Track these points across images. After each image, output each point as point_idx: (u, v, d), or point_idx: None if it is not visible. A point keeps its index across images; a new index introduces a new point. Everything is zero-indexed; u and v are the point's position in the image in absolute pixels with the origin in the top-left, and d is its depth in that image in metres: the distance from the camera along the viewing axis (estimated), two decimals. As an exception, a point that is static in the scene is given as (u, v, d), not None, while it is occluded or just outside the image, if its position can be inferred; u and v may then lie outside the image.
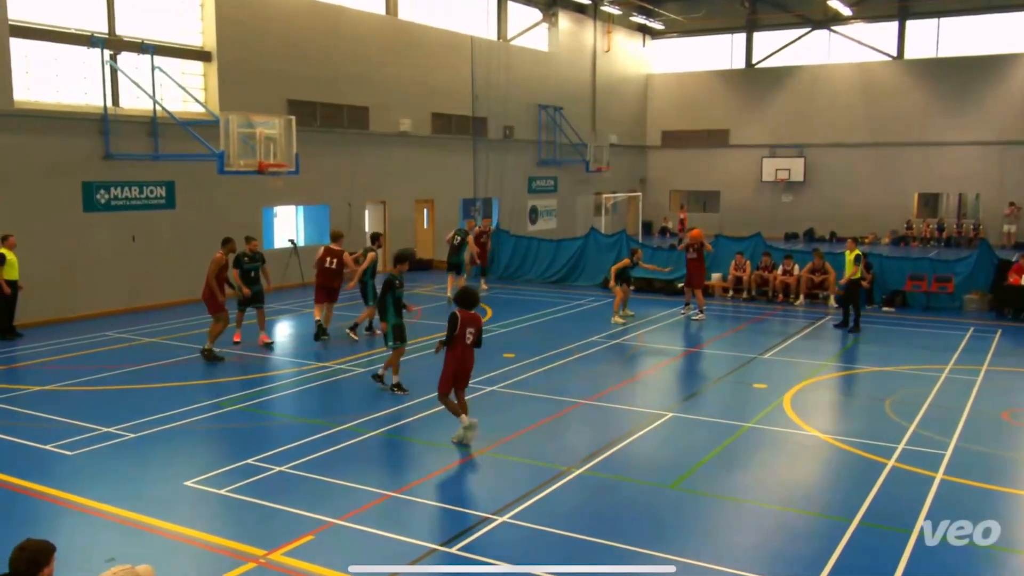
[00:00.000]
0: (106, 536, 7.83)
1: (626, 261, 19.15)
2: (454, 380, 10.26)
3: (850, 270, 17.54)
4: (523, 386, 13.02)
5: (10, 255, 16.24)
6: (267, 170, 18.54)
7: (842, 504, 8.51)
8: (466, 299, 10.26)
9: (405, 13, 28.38)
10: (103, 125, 19.09)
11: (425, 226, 29.89)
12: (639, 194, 40.13)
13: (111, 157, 19.20)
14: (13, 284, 16.31)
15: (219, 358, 14.48)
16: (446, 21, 30.27)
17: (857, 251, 17.62)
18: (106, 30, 19.61)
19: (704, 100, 42.72)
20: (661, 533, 7.82)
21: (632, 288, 19.67)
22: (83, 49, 19.06)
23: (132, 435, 10.55)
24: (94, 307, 19.07)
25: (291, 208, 25.27)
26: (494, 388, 12.87)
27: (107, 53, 19.22)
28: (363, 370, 14.07)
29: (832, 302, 20.75)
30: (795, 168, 40.59)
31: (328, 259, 16.21)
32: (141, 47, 19.82)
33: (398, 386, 12.56)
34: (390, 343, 12.66)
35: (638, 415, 11.63)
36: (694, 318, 18.91)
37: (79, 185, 18.82)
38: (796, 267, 21.67)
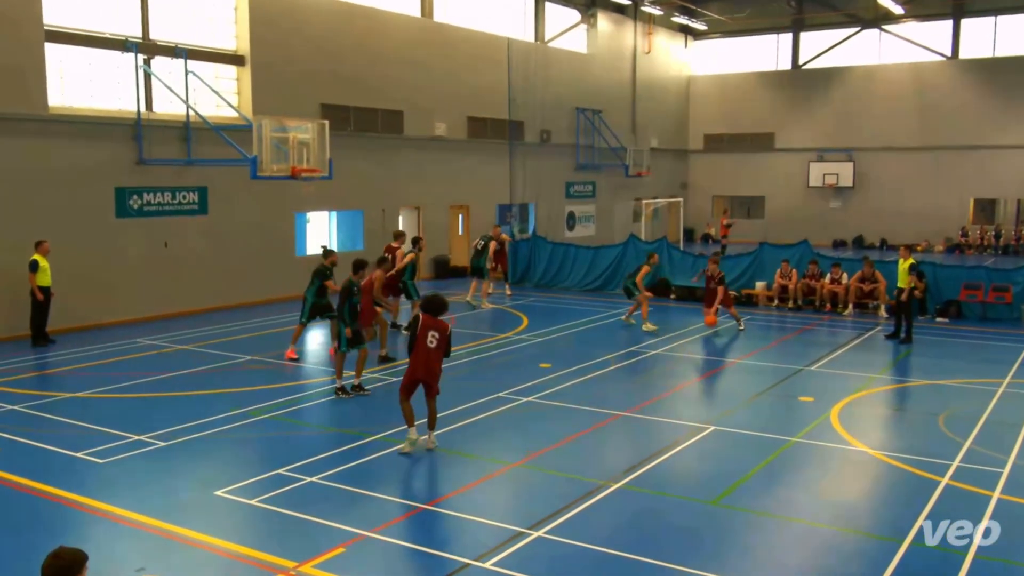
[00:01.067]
0: (136, 546, 7.95)
1: (646, 268, 19.11)
2: (415, 385, 10.34)
3: (904, 280, 17.27)
4: (560, 397, 13.00)
5: (43, 261, 16.55)
6: (300, 175, 18.71)
7: (892, 524, 8.37)
8: (432, 305, 10.45)
9: (441, 15, 28.56)
10: (136, 130, 19.45)
11: (460, 232, 30.01)
12: (680, 200, 39.92)
13: (144, 162, 19.54)
14: (46, 290, 16.62)
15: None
16: (482, 23, 30.41)
17: (911, 260, 17.35)
18: (140, 34, 19.99)
19: (748, 102, 42.42)
20: (702, 551, 7.76)
21: (650, 295, 19.87)
22: (117, 54, 19.44)
23: (163, 443, 10.71)
24: (126, 314, 19.39)
25: (324, 214, 25.52)
26: (530, 399, 12.86)
27: (141, 57, 19.58)
28: (395, 379, 14.13)
29: (883, 312, 20.46)
30: (844, 173, 40.12)
31: (388, 257, 17.34)
32: (174, 51, 20.17)
33: (359, 387, 13.12)
34: (344, 348, 12.96)
35: (679, 428, 11.55)
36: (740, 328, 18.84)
37: (112, 191, 19.17)
38: (845, 276, 21.40)
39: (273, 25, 22.63)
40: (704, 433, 11.26)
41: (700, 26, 41.77)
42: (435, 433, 10.51)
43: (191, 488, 9.29)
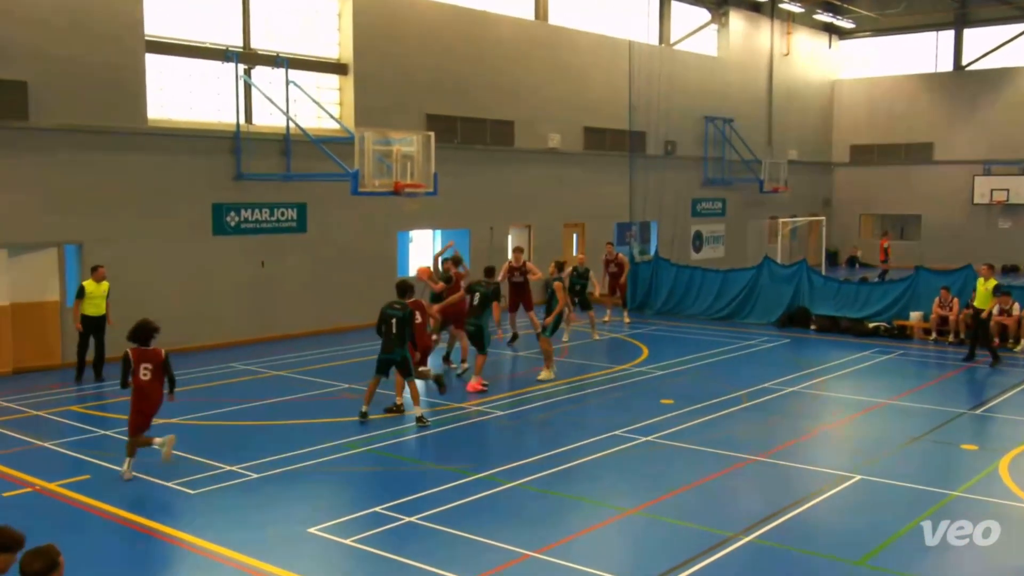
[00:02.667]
0: (225, 583, 8.21)
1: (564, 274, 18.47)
2: (144, 420, 10.98)
3: (986, 302, 16.66)
4: (683, 437, 12.82)
5: (93, 288, 16.32)
6: (403, 191, 19.07)
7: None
8: (137, 333, 11.00)
9: (556, 17, 28.82)
10: (235, 143, 20.30)
11: (575, 252, 30.02)
12: (822, 218, 38.90)
13: (242, 177, 20.36)
14: (101, 320, 16.38)
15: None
16: (601, 25, 30.52)
17: (993, 281, 16.73)
18: (241, 44, 20.90)
19: (902, 109, 41.18)
20: (845, 617, 7.48)
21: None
22: (217, 64, 20.38)
23: (255, 475, 11.05)
24: (220, 336, 20.15)
25: (428, 232, 25.97)
26: (649, 438, 12.73)
27: (241, 68, 20.47)
28: (502, 412, 14.22)
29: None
30: (1016, 188, 38.37)
31: (514, 272, 19.04)
32: (275, 60, 21.00)
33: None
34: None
35: (819, 476, 11.26)
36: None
37: (209, 207, 20.04)
38: (1016, 306, 20.44)
39: (377, 32, 23.29)
40: (848, 483, 10.90)
41: (847, 24, 40.86)
42: None
43: (282, 524, 9.53)
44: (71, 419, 13.81)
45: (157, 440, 11.07)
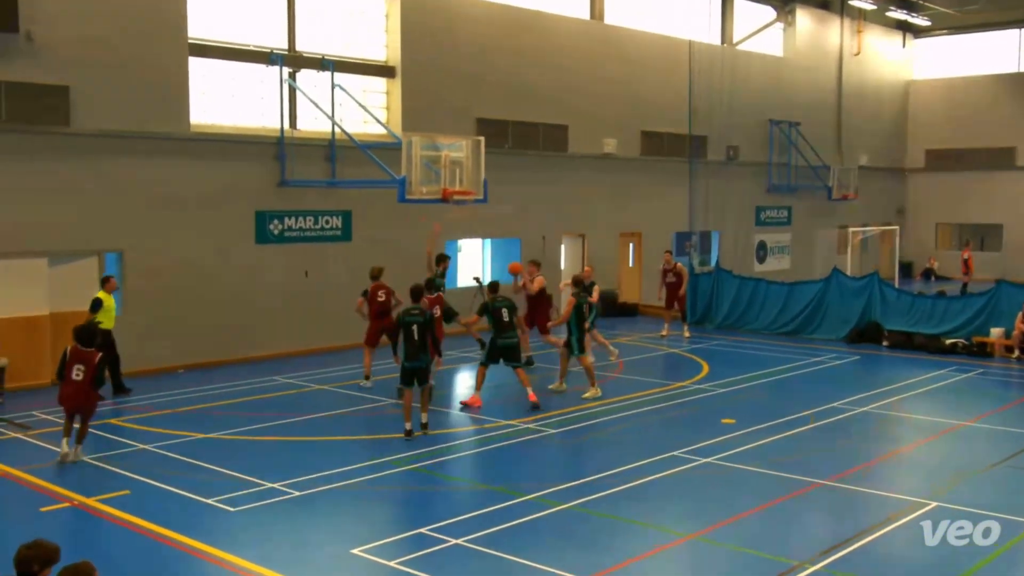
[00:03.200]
0: (265, 605, 8.29)
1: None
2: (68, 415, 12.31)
3: None
4: (745, 459, 12.70)
5: (108, 300, 16.20)
6: (452, 198, 19.15)
7: None
8: (81, 334, 12.17)
9: (612, 16, 28.81)
10: (279, 149, 20.57)
11: (631, 263, 29.94)
12: (896, 228, 38.36)
13: (286, 184, 20.63)
14: (107, 334, 15.95)
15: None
16: (660, 24, 30.44)
17: None
18: (286, 46, 21.20)
19: (983, 111, 40.48)
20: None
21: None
22: (261, 67, 20.69)
23: (298, 492, 11.15)
24: (263, 348, 20.39)
25: (477, 242, 26.06)
26: (710, 459, 12.62)
27: (286, 71, 20.75)
28: (554, 431, 14.20)
29: None
30: (1106, 196, 37.50)
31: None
32: (321, 63, 21.26)
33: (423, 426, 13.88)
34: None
35: (892, 502, 11.09)
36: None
37: (252, 214, 20.33)
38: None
39: (426, 32, 23.48)
40: (924, 510, 10.69)
41: (922, 21, 40.27)
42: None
43: (326, 544, 9.60)
44: (111, 432, 14.06)
45: (65, 445, 12.26)
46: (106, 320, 15.99)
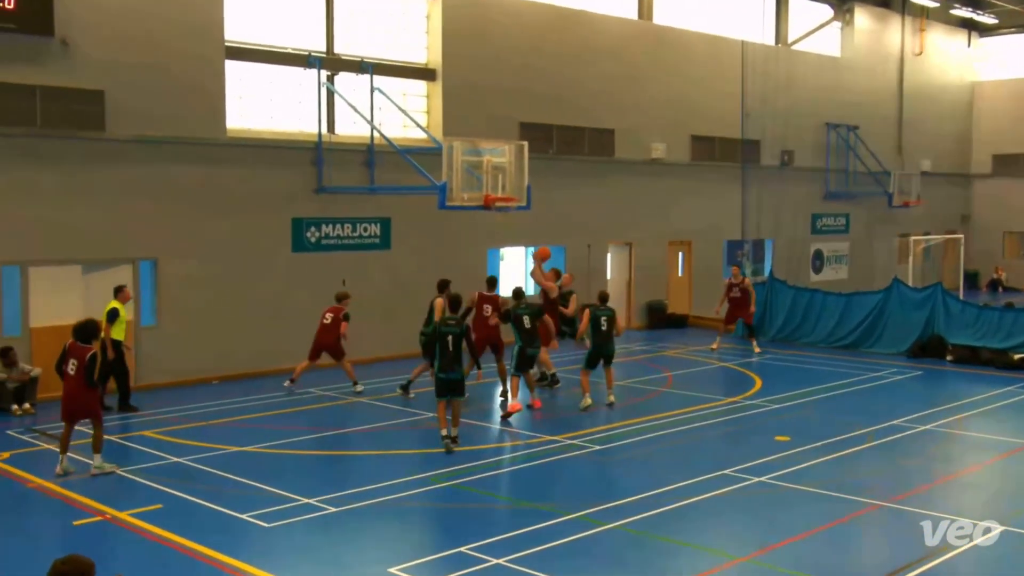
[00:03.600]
0: (301, 624, 8.33)
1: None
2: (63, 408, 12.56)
3: None
4: (800, 478, 12.58)
5: (123, 310, 16.13)
6: (494, 204, 19.17)
7: None
8: (80, 331, 12.44)
9: (661, 16, 28.77)
10: (316, 154, 20.76)
11: (680, 273, 29.81)
12: (960, 236, 37.85)
13: (323, 190, 20.80)
14: (118, 344, 16.01)
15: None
16: (711, 24, 30.34)
17: None
18: (324, 49, 21.41)
19: (1053, 114, 39.92)
20: None
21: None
22: (299, 71, 20.91)
23: (334, 508, 11.21)
24: (298, 359, 20.49)
25: (520, 250, 26.08)
26: (763, 479, 12.52)
27: (324, 74, 20.95)
28: (599, 447, 14.16)
29: None
30: None
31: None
32: (360, 66, 21.43)
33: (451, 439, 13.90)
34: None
35: (955, 526, 10.87)
36: None
37: (289, 222, 20.52)
38: None
39: (468, 34, 23.59)
40: (990, 534, 10.51)
41: (989, 19, 39.80)
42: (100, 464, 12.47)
43: (363, 562, 9.66)
44: (143, 444, 14.24)
45: (64, 461, 12.48)
46: (117, 331, 15.94)
